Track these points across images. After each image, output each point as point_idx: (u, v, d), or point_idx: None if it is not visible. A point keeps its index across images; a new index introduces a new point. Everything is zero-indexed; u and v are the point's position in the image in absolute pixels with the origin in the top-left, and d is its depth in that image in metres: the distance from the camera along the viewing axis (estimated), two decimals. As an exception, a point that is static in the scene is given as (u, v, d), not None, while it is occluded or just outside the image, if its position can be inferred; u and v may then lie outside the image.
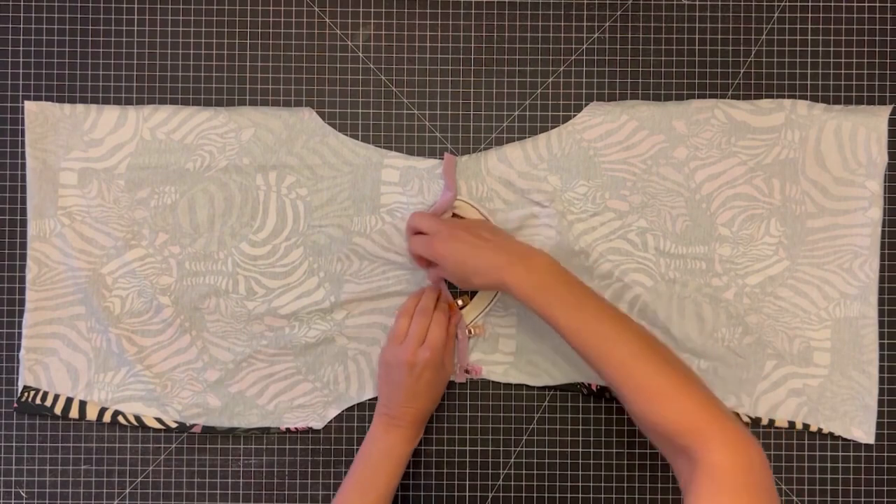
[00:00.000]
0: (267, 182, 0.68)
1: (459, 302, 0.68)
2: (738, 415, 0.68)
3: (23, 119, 0.68)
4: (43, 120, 0.68)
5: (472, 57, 0.69)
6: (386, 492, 0.61)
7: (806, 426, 0.68)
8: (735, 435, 0.49)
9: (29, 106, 0.68)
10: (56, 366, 0.68)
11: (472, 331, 0.68)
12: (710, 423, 0.50)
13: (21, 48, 0.69)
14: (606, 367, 0.54)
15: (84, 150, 0.67)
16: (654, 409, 0.52)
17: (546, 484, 0.69)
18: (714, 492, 0.47)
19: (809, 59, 0.69)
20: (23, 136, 0.68)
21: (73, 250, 0.67)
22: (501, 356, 0.69)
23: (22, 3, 0.69)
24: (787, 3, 0.69)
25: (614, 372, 0.54)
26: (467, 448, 0.69)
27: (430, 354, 0.62)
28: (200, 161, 0.68)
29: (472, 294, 0.69)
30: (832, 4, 0.69)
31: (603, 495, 0.69)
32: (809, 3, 0.69)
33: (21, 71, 0.69)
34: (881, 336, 0.68)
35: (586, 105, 0.69)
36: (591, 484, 0.69)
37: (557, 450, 0.69)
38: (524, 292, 0.57)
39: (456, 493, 0.69)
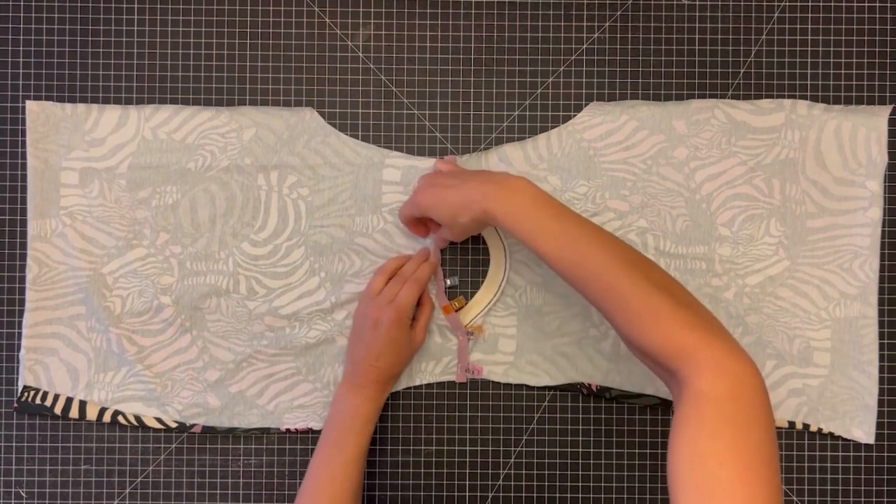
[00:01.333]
0: (268, 182, 0.69)
1: (455, 303, 0.69)
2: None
3: (23, 119, 0.69)
4: (44, 119, 0.68)
5: (472, 57, 0.70)
6: (356, 451, 0.61)
7: (806, 426, 0.69)
8: (723, 357, 0.46)
9: (30, 105, 0.69)
10: (56, 366, 0.69)
11: (472, 331, 0.69)
12: (696, 344, 0.47)
13: (21, 48, 0.70)
14: (593, 291, 0.53)
15: (85, 149, 0.68)
16: (641, 330, 0.50)
17: (546, 484, 0.70)
18: (696, 420, 0.45)
19: (809, 59, 0.70)
20: (23, 135, 0.69)
21: (74, 250, 0.68)
22: (501, 356, 0.70)
23: (22, 3, 0.70)
24: (787, 3, 0.70)
25: (601, 295, 0.52)
26: (467, 448, 0.70)
27: (394, 314, 0.63)
28: (202, 161, 0.68)
29: (470, 295, 0.70)
30: (832, 4, 0.70)
31: (603, 495, 0.70)
32: (809, 3, 0.70)
33: (21, 71, 0.70)
34: (881, 336, 0.69)
35: (586, 105, 0.69)
36: (591, 484, 0.70)
37: (557, 450, 0.70)
38: (506, 220, 0.56)
39: (456, 493, 0.70)
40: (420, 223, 0.66)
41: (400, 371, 0.66)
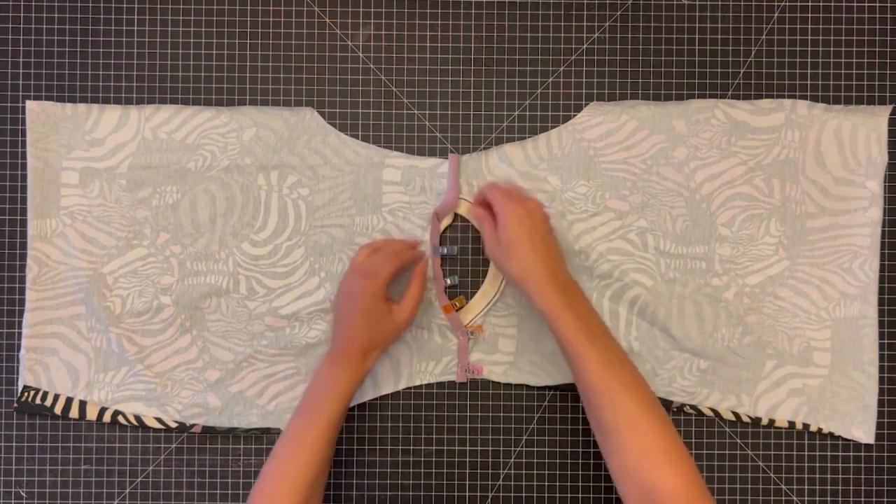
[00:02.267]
0: (268, 182, 0.69)
1: (456, 303, 0.70)
2: (737, 415, 0.70)
3: (23, 119, 0.70)
4: (44, 119, 0.69)
5: (472, 57, 0.71)
6: (329, 421, 0.61)
7: (806, 426, 0.69)
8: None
9: (30, 105, 0.69)
10: (56, 365, 0.69)
11: (472, 331, 0.70)
12: (695, 491, 0.52)
13: (21, 48, 0.71)
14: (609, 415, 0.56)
15: (86, 149, 0.69)
16: (646, 465, 0.53)
17: (546, 484, 0.70)
18: None
19: (809, 59, 0.71)
20: (23, 135, 0.70)
21: (74, 250, 0.69)
22: (501, 356, 0.70)
23: (22, 3, 0.70)
24: (787, 3, 0.71)
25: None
26: (467, 448, 0.71)
27: (366, 283, 0.62)
28: (202, 161, 0.69)
29: (470, 295, 0.70)
30: (832, 4, 0.71)
31: (603, 495, 0.70)
32: (809, 3, 0.71)
33: (21, 71, 0.71)
34: (881, 336, 0.70)
35: (586, 105, 0.70)
36: (591, 484, 0.70)
37: (557, 450, 0.71)
38: (557, 320, 0.59)
39: (456, 493, 0.71)
40: (484, 208, 0.66)
41: (379, 345, 0.64)
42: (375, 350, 0.64)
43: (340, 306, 0.64)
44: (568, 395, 0.71)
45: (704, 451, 0.70)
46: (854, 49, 0.71)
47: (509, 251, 0.61)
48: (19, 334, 0.70)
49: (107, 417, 0.69)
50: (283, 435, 0.61)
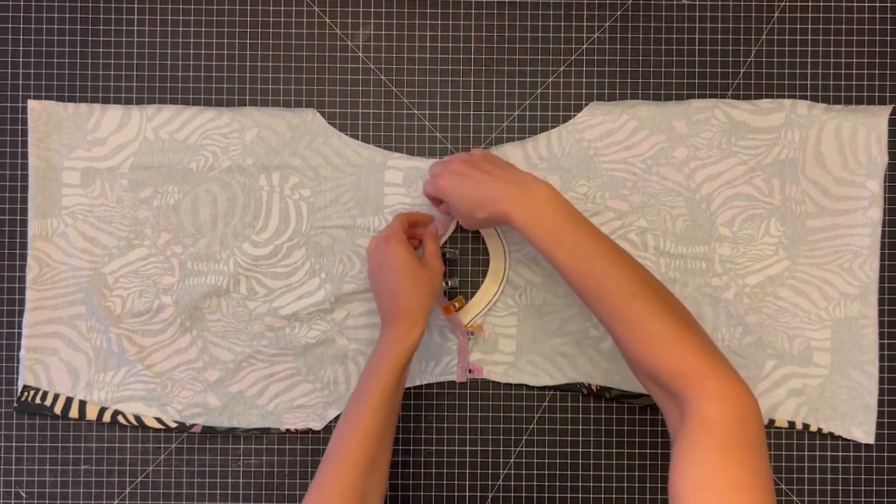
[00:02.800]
0: (270, 183, 0.70)
1: (455, 304, 0.70)
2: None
3: (24, 119, 0.70)
4: (46, 119, 0.70)
5: (472, 57, 0.71)
6: (383, 393, 0.59)
7: (806, 426, 0.70)
8: (731, 385, 0.49)
9: (32, 105, 0.70)
10: (56, 365, 0.70)
11: (472, 331, 0.70)
12: (706, 371, 0.50)
13: (21, 48, 0.71)
14: (603, 306, 0.55)
15: (87, 149, 0.70)
16: (650, 352, 0.52)
17: (546, 484, 0.71)
18: (704, 444, 0.47)
19: (809, 59, 0.71)
20: (24, 135, 0.70)
21: (75, 249, 0.69)
22: (501, 356, 0.71)
23: (22, 3, 0.71)
24: (787, 3, 0.71)
25: (611, 312, 0.54)
26: (467, 448, 0.71)
27: (386, 243, 0.63)
28: (203, 161, 0.70)
29: (469, 295, 0.71)
30: (832, 4, 0.71)
31: (603, 495, 0.71)
32: (809, 3, 0.71)
33: (21, 70, 0.71)
34: (881, 336, 0.70)
35: (586, 105, 0.71)
36: (591, 484, 0.71)
37: (557, 450, 0.71)
38: (524, 226, 0.57)
39: (456, 493, 0.71)
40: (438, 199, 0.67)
41: (425, 302, 0.63)
42: (423, 308, 0.62)
43: (378, 281, 0.64)
44: (568, 396, 0.71)
45: (704, 451, 0.71)
46: (854, 49, 0.71)
47: (468, 208, 0.60)
48: (19, 334, 0.70)
49: (107, 417, 0.70)
50: (343, 414, 0.60)
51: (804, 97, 0.71)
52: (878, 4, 0.71)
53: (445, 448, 0.72)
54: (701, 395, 0.48)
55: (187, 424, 0.70)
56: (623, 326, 0.54)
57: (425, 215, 0.69)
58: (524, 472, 0.71)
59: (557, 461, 0.71)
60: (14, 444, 0.71)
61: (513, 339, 0.71)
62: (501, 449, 0.71)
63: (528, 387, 0.71)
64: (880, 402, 0.70)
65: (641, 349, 0.53)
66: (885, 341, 0.71)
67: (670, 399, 0.52)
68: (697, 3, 0.71)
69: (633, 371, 0.56)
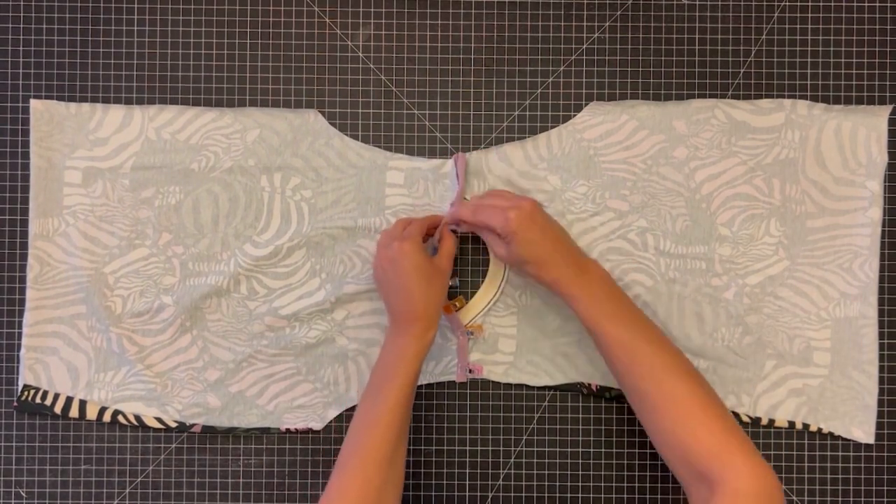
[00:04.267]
0: (271, 183, 0.71)
1: (456, 303, 0.72)
2: (737, 415, 0.71)
3: (25, 119, 0.72)
4: (48, 118, 0.71)
5: (473, 57, 0.73)
6: (400, 395, 0.62)
7: (806, 426, 0.71)
8: (758, 464, 0.54)
9: (34, 104, 0.71)
10: (56, 365, 0.71)
11: (472, 331, 0.71)
12: (736, 450, 0.55)
13: (21, 48, 0.73)
14: (642, 383, 0.60)
15: (89, 149, 0.71)
16: (683, 430, 0.57)
17: (546, 484, 0.72)
18: None
19: (809, 59, 0.73)
20: (25, 135, 0.72)
21: (76, 249, 0.71)
22: (501, 356, 0.72)
23: (22, 3, 0.73)
24: (787, 3, 0.73)
25: (649, 389, 0.59)
26: (467, 448, 0.73)
27: (404, 244, 0.64)
28: (205, 161, 0.71)
29: (469, 295, 0.72)
30: (832, 4, 0.73)
31: (603, 495, 0.72)
32: (809, 3, 0.73)
33: (21, 71, 0.73)
34: (881, 336, 0.72)
35: (586, 105, 0.72)
36: (591, 484, 0.72)
37: (557, 450, 0.72)
38: (575, 300, 0.63)
39: (456, 493, 0.72)
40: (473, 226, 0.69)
41: (437, 302, 0.66)
42: (437, 309, 0.65)
43: (387, 280, 0.65)
44: (568, 396, 0.73)
45: (704, 451, 0.72)
46: (854, 49, 0.73)
47: (524, 260, 0.64)
48: (19, 333, 0.72)
49: (107, 417, 0.71)
50: (354, 415, 0.63)
51: (804, 97, 0.72)
52: (878, 4, 0.73)
53: (445, 448, 0.73)
54: (732, 473, 0.54)
55: (187, 424, 0.72)
56: (659, 403, 0.59)
57: (438, 218, 0.70)
58: (524, 472, 0.73)
59: (557, 461, 0.73)
60: (14, 443, 0.73)
61: (513, 339, 0.72)
62: (501, 449, 0.73)
63: (528, 387, 0.73)
64: (880, 402, 0.72)
65: (675, 425, 0.58)
66: (885, 341, 0.72)
67: (697, 480, 0.56)
68: (697, 3, 0.73)
69: (660, 448, 0.60)
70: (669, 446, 0.58)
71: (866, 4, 0.73)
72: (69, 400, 0.72)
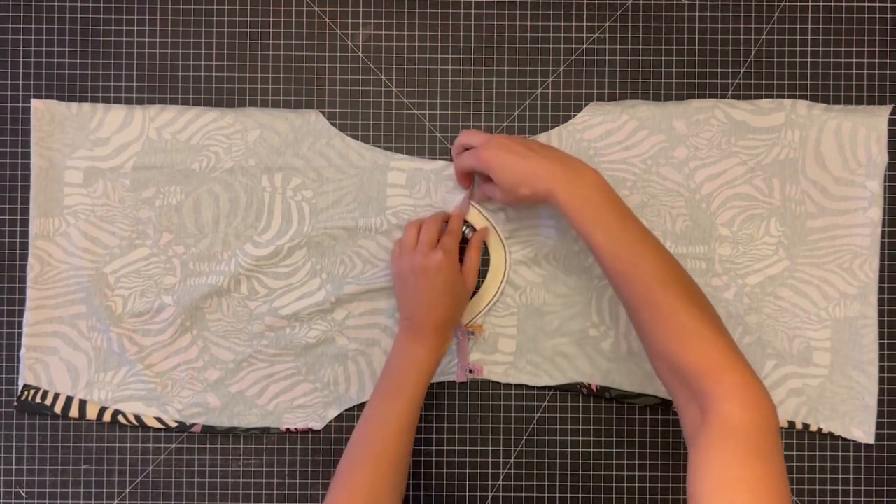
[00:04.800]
0: (272, 184, 0.72)
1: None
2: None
3: (25, 119, 0.72)
4: (49, 118, 0.72)
5: (473, 57, 0.73)
6: (411, 403, 0.62)
7: (806, 426, 0.72)
8: (753, 387, 0.51)
9: (35, 104, 0.72)
10: (56, 365, 0.72)
11: (472, 331, 0.72)
12: (730, 371, 0.52)
13: (22, 48, 0.74)
14: (635, 293, 0.57)
15: (90, 148, 0.72)
16: (676, 342, 0.54)
17: (546, 484, 0.73)
18: (725, 446, 0.49)
19: (809, 59, 0.73)
20: (25, 135, 0.72)
21: (76, 249, 0.71)
22: (501, 356, 0.73)
23: (23, 3, 0.73)
24: (787, 3, 0.73)
25: (642, 301, 0.57)
26: (467, 448, 0.73)
27: (442, 256, 0.65)
28: (206, 161, 0.72)
29: (470, 295, 0.73)
30: (832, 4, 0.73)
31: (603, 495, 0.73)
32: (809, 3, 0.73)
33: (22, 70, 0.73)
34: (881, 336, 0.72)
35: (586, 105, 0.73)
36: (591, 484, 0.73)
37: (557, 450, 0.73)
38: (569, 206, 0.60)
39: (456, 493, 0.73)
40: (469, 177, 0.70)
41: (458, 317, 0.67)
42: (455, 321, 0.67)
43: (412, 286, 0.66)
44: (568, 396, 0.73)
45: (704, 451, 0.73)
46: (854, 49, 0.73)
47: (514, 182, 0.62)
48: (19, 333, 0.72)
49: (107, 417, 0.72)
50: (363, 417, 0.63)
51: (804, 97, 0.73)
52: (878, 4, 0.73)
53: (445, 448, 0.73)
54: (724, 396, 0.50)
55: (187, 424, 0.72)
56: (652, 314, 0.56)
57: (447, 214, 0.71)
58: (524, 472, 0.73)
59: (557, 461, 0.73)
60: (14, 444, 0.73)
61: (513, 339, 0.73)
62: (501, 449, 0.73)
63: (528, 387, 0.73)
64: (880, 402, 0.72)
65: (668, 339, 0.55)
66: (885, 341, 0.72)
67: (689, 395, 0.53)
68: (697, 3, 0.73)
69: (654, 362, 0.58)
70: (662, 357, 0.56)
71: (866, 4, 0.73)
72: (69, 400, 0.72)
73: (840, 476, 0.73)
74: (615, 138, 0.72)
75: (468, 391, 0.74)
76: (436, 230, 0.68)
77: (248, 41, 0.73)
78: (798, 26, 0.73)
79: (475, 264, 0.70)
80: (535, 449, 0.73)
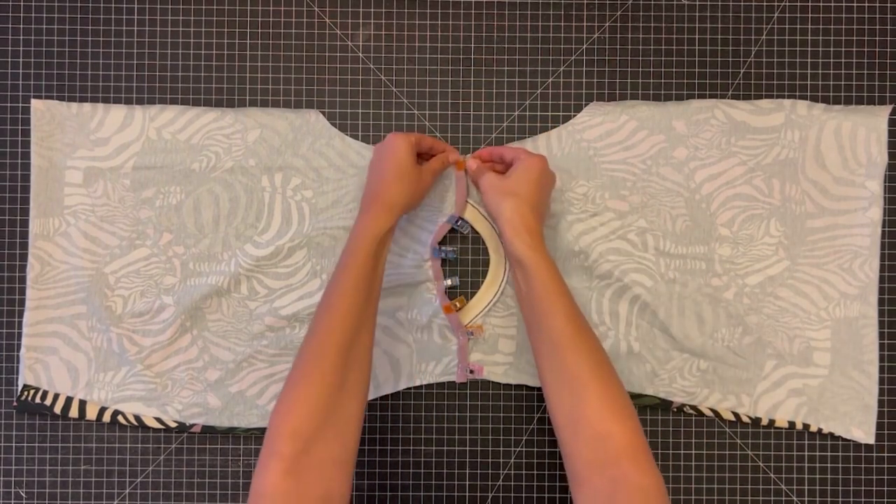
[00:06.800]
0: (272, 184, 0.73)
1: (457, 303, 0.73)
2: (737, 415, 0.73)
3: (25, 119, 0.73)
4: (49, 118, 0.72)
5: (472, 57, 0.74)
6: (358, 274, 0.62)
7: (806, 426, 0.73)
8: (652, 460, 0.55)
9: (36, 104, 0.73)
10: (56, 365, 0.73)
11: (472, 331, 0.73)
12: (643, 446, 0.55)
13: (22, 48, 0.74)
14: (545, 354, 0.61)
15: (90, 149, 0.72)
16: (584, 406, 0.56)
17: (546, 484, 0.74)
18: None
19: (809, 59, 0.74)
20: (26, 135, 0.73)
21: (77, 249, 0.72)
22: (501, 356, 0.73)
23: (22, 3, 0.74)
24: (787, 3, 0.74)
25: (552, 362, 0.60)
26: (467, 448, 0.74)
27: (400, 140, 0.67)
28: (206, 161, 0.72)
29: (470, 295, 0.73)
30: (832, 4, 0.74)
31: (603, 495, 0.73)
32: (809, 3, 0.74)
33: (22, 71, 0.74)
34: (881, 336, 0.73)
35: (586, 105, 0.73)
36: (591, 484, 0.73)
37: (557, 450, 0.74)
38: (525, 257, 0.62)
39: (456, 493, 0.74)
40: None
41: (404, 200, 0.67)
42: (399, 206, 0.66)
43: (373, 165, 0.68)
44: (568, 395, 0.74)
45: (704, 452, 0.73)
46: (854, 49, 0.74)
47: (512, 192, 0.64)
48: (19, 333, 0.73)
49: (106, 417, 0.73)
50: (320, 302, 0.62)
51: (804, 97, 0.74)
52: (877, 4, 0.74)
53: (445, 448, 0.74)
54: (641, 467, 0.54)
55: (187, 424, 0.73)
56: (559, 379, 0.59)
57: (442, 144, 0.72)
58: (524, 472, 0.74)
59: (557, 461, 0.74)
60: (14, 444, 0.74)
61: (513, 339, 0.74)
62: (501, 449, 0.74)
63: (528, 387, 0.74)
64: (880, 402, 0.73)
65: (574, 403, 0.57)
66: (885, 341, 0.73)
67: (598, 471, 0.55)
68: (697, 3, 0.74)
69: (564, 437, 0.58)
70: (576, 430, 0.56)
71: (866, 4, 0.74)
72: (69, 400, 0.73)
73: (840, 476, 0.74)
74: (615, 138, 0.73)
75: (468, 391, 0.74)
76: (425, 139, 0.69)
77: (248, 41, 0.74)
78: (798, 26, 0.74)
79: (435, 167, 0.70)
80: (535, 449, 0.74)
